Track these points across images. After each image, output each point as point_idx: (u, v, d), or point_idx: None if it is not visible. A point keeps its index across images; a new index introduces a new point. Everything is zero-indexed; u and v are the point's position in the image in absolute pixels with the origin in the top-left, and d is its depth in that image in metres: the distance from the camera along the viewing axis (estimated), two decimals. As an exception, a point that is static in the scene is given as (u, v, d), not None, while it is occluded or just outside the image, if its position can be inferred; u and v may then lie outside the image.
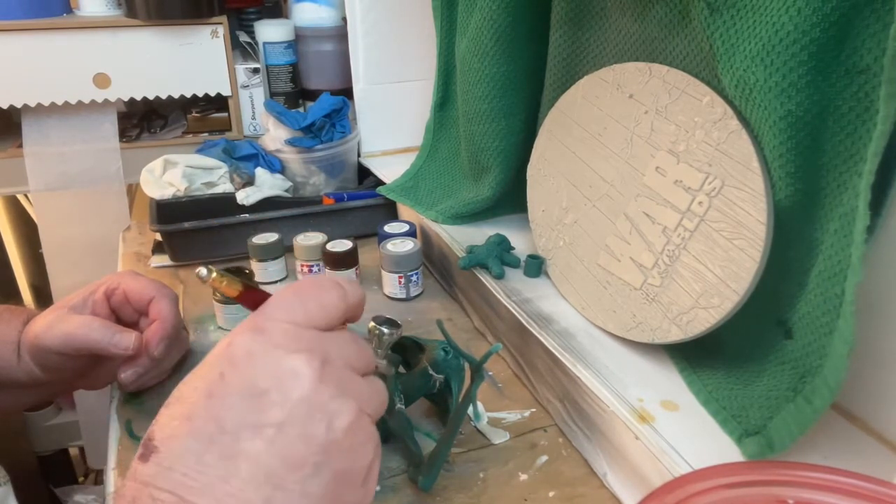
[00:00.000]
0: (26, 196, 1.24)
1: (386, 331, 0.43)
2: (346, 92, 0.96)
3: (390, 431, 0.49)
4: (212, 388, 0.29)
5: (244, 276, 0.67)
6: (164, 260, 0.81)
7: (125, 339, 0.51)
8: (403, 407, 0.49)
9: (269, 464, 0.28)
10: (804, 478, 0.36)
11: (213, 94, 1.01)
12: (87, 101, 0.95)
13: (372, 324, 0.44)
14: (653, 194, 0.51)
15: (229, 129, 1.05)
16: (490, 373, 0.59)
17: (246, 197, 0.83)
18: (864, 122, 0.38)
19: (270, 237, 0.74)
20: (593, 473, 0.48)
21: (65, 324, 0.50)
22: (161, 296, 0.55)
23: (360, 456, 0.31)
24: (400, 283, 0.70)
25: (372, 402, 0.32)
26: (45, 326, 0.50)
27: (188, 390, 0.30)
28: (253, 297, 0.38)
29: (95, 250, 1.02)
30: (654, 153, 0.51)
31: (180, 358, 0.60)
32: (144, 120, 1.09)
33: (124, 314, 0.56)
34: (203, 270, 0.38)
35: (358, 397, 0.31)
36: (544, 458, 0.50)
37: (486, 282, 0.62)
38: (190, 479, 0.27)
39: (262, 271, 0.74)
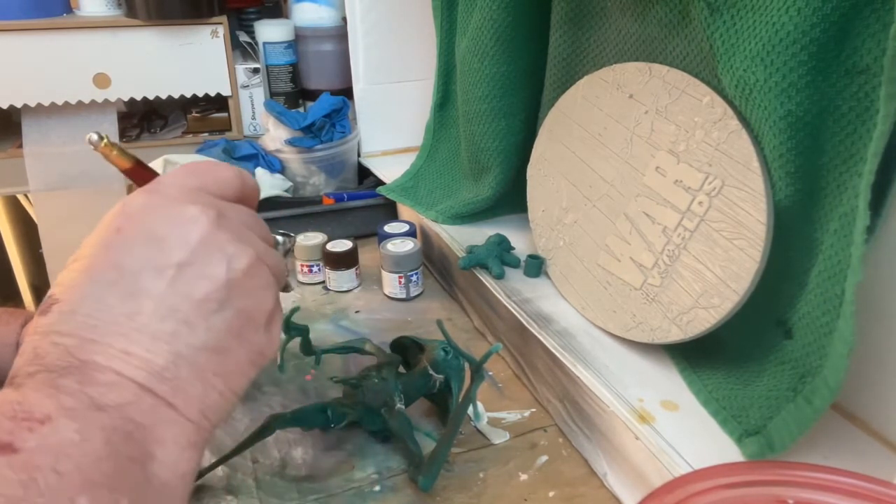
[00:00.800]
0: (26, 196, 1.24)
1: (280, 239, 0.43)
2: (346, 92, 0.96)
3: (390, 431, 0.49)
4: (109, 241, 0.29)
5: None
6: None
7: None
8: (403, 407, 0.49)
9: (172, 300, 0.28)
10: (804, 478, 0.36)
11: (213, 94, 1.01)
12: (87, 101, 0.95)
13: None
14: (653, 194, 0.51)
15: (229, 129, 1.05)
16: (490, 373, 0.59)
17: (246, 197, 0.83)
18: (864, 122, 0.38)
19: (270, 237, 0.74)
20: (593, 473, 0.48)
21: None
22: None
23: (261, 299, 0.32)
24: (400, 283, 0.70)
25: (270, 256, 0.33)
26: None
27: (85, 247, 0.30)
28: (144, 173, 0.37)
29: (95, 250, 1.02)
30: (654, 153, 0.51)
31: None
32: (144, 120, 1.09)
33: None
34: (94, 136, 0.35)
35: (255, 247, 0.32)
36: (544, 458, 0.50)
37: (486, 282, 0.62)
38: (92, 319, 0.27)
39: (262, 271, 0.73)
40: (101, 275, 0.28)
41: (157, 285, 0.28)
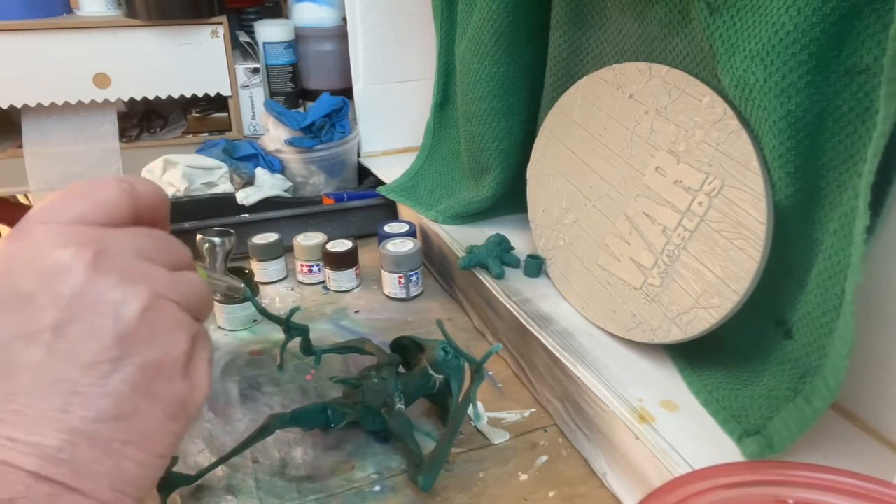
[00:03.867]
0: (26, 196, 1.24)
1: (217, 240, 0.38)
2: (346, 92, 0.96)
3: (390, 431, 0.49)
4: None
5: (244, 276, 0.67)
6: (164, 260, 0.80)
7: None
8: (403, 407, 0.49)
9: (55, 369, 0.25)
10: (804, 478, 0.36)
11: (213, 94, 1.01)
12: (87, 101, 0.95)
13: (200, 237, 0.39)
14: (653, 194, 0.51)
15: (229, 129, 1.05)
16: (490, 373, 0.59)
17: (246, 197, 0.83)
18: (864, 122, 0.38)
19: (270, 237, 0.74)
20: (593, 473, 0.48)
21: None
22: None
23: (169, 345, 0.27)
24: (400, 283, 0.70)
25: (177, 288, 0.28)
26: None
27: None
28: (10, 212, 0.31)
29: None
30: (654, 153, 0.51)
31: None
32: (144, 120, 1.09)
33: None
34: None
35: (151, 282, 0.27)
36: (544, 458, 0.50)
37: (486, 282, 0.62)
38: None
39: (262, 271, 0.74)
40: None
41: (32, 356, 0.25)
